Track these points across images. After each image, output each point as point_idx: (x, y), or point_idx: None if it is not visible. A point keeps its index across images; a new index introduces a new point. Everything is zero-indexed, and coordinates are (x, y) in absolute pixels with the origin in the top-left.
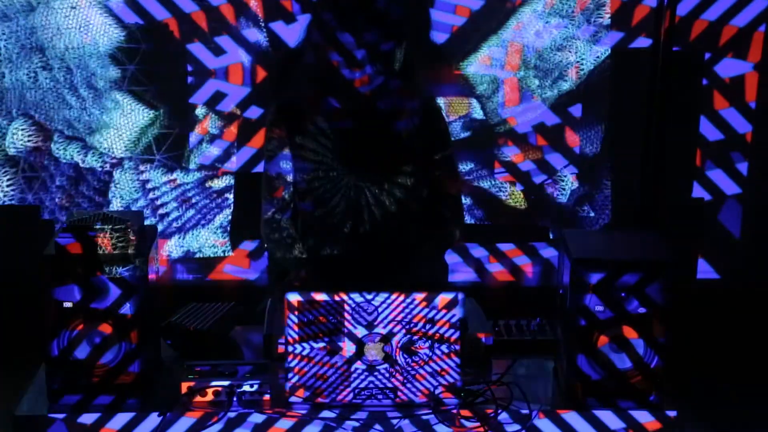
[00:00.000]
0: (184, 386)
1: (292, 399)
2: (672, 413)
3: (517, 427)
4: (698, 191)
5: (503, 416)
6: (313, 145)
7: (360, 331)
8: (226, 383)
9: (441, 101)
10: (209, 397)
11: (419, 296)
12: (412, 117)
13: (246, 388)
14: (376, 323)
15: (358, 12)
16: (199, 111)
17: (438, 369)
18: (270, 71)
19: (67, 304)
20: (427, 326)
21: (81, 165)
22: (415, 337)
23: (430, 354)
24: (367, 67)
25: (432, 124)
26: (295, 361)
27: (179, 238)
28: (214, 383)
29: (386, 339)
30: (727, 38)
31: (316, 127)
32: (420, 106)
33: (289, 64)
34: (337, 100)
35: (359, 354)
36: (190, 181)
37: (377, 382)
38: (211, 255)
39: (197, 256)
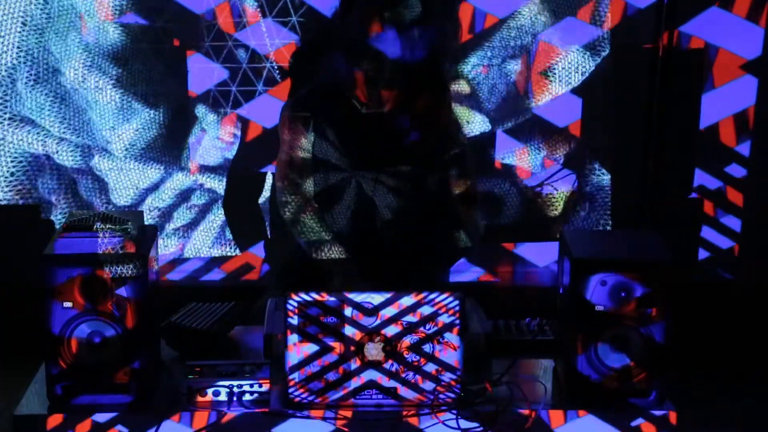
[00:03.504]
0: (185, 386)
1: (292, 398)
2: (672, 413)
3: (516, 427)
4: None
5: (503, 416)
6: (324, 141)
7: (360, 331)
8: (226, 383)
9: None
10: (209, 397)
11: (419, 296)
12: (424, 115)
13: (246, 388)
14: (375, 323)
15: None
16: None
17: (438, 369)
18: (297, 58)
19: (67, 304)
20: (427, 326)
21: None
22: (413, 337)
23: (419, 358)
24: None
25: (442, 122)
26: (295, 360)
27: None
28: (214, 383)
29: (386, 339)
30: None
31: (329, 122)
32: (433, 104)
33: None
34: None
35: (359, 354)
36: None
37: (377, 382)
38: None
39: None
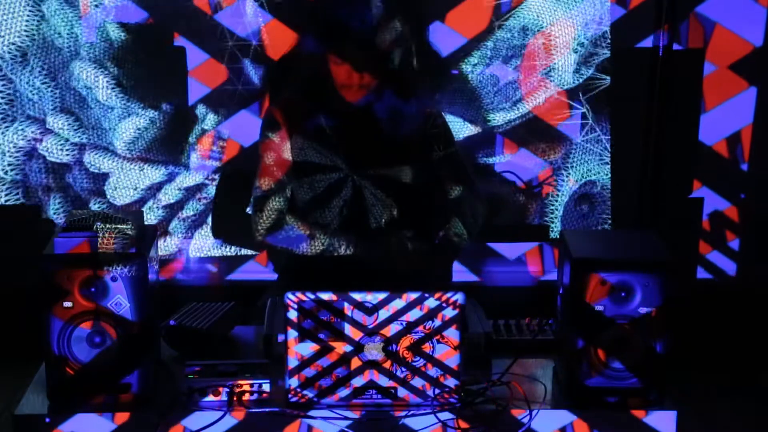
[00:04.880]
0: (185, 386)
1: (292, 399)
2: (672, 413)
3: (516, 427)
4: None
5: (503, 416)
6: (312, 143)
7: (360, 330)
8: (226, 383)
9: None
10: (209, 397)
11: (419, 295)
12: (412, 114)
13: (246, 388)
14: (375, 322)
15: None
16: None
17: (438, 369)
18: (271, 68)
19: (67, 304)
20: (427, 324)
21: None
22: (413, 335)
23: (419, 358)
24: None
25: (431, 121)
26: (295, 360)
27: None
28: (214, 383)
29: (386, 339)
30: None
31: (316, 124)
32: (420, 103)
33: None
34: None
35: (359, 353)
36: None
37: (377, 382)
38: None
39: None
